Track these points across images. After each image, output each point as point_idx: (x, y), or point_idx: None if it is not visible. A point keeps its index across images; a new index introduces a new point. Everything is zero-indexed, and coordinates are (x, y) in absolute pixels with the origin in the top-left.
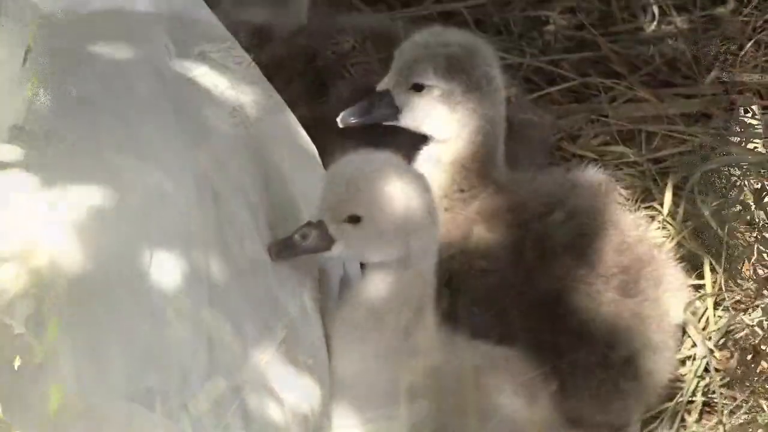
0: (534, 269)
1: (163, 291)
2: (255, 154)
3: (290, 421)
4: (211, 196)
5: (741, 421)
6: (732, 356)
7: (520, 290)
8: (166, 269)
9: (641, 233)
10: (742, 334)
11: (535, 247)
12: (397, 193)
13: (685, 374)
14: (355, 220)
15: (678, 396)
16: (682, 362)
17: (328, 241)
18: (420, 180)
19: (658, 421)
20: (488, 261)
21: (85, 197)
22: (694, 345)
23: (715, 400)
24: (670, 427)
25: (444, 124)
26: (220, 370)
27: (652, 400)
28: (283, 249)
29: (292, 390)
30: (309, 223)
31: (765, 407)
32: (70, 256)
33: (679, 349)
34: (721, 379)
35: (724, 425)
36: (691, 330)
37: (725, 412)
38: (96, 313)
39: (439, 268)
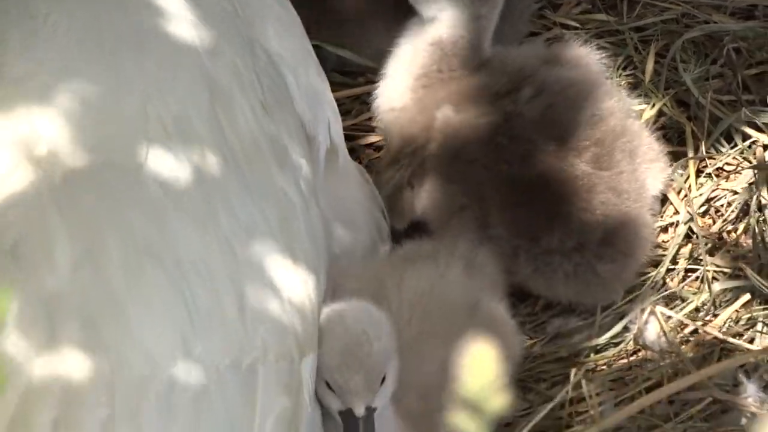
0: (504, 148)
1: (160, 183)
2: (247, 37)
3: (288, 311)
4: (207, 85)
5: (725, 287)
6: (714, 223)
7: (492, 171)
8: (162, 161)
9: (614, 104)
10: (724, 201)
11: (505, 125)
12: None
13: (667, 241)
14: (383, 380)
15: (660, 265)
16: (664, 230)
17: (373, 413)
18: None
19: (641, 288)
20: (457, 143)
21: (82, 88)
22: (676, 212)
23: (698, 267)
24: (653, 294)
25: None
26: (215, 261)
27: (632, 279)
28: None
29: (289, 280)
30: (356, 421)
31: (748, 273)
32: (68, 147)
33: (661, 217)
34: (705, 245)
35: (710, 291)
36: (672, 196)
37: (709, 277)
38: (93, 205)
39: (412, 157)
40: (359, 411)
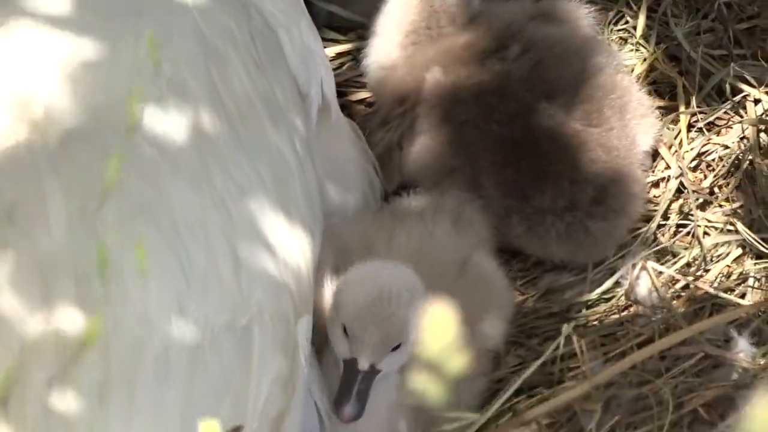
0: (494, 108)
1: (155, 144)
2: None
3: (283, 272)
4: (201, 45)
5: (716, 242)
6: (705, 177)
7: (482, 131)
8: (157, 122)
9: (603, 60)
10: (715, 155)
11: (493, 85)
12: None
13: (658, 196)
14: (396, 347)
15: (651, 221)
16: (655, 185)
17: (375, 375)
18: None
19: (632, 243)
20: (447, 105)
21: (78, 50)
22: (668, 167)
23: (689, 222)
24: (644, 249)
25: None
26: (210, 221)
27: (624, 236)
28: (356, 410)
29: (284, 240)
30: (358, 372)
31: (739, 228)
32: (64, 109)
33: (652, 172)
34: (696, 200)
35: (701, 246)
36: (663, 151)
37: (700, 232)
38: (89, 165)
39: (401, 118)
40: (363, 365)
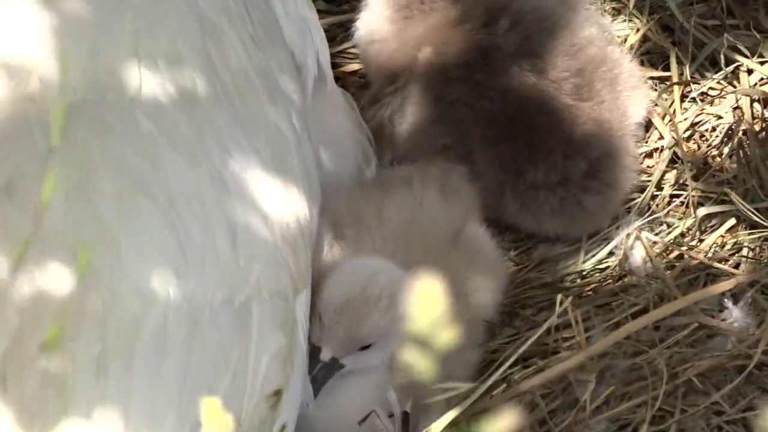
0: (484, 85)
1: (152, 119)
2: None
3: (281, 248)
4: (197, 20)
5: (709, 212)
6: (699, 148)
7: (473, 109)
8: (154, 97)
9: (593, 32)
10: (708, 125)
11: (483, 62)
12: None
13: (652, 166)
14: (366, 347)
15: (645, 191)
16: (649, 155)
17: (336, 369)
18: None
19: (626, 214)
20: (438, 85)
21: (73, 25)
22: (661, 137)
23: (683, 192)
24: (638, 219)
25: None
26: (208, 197)
27: (617, 209)
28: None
29: (282, 216)
30: (318, 360)
31: (733, 198)
32: (60, 84)
33: (645, 142)
34: (690, 170)
35: (695, 216)
36: (657, 121)
37: (694, 202)
38: (86, 141)
39: (392, 96)
40: (325, 355)
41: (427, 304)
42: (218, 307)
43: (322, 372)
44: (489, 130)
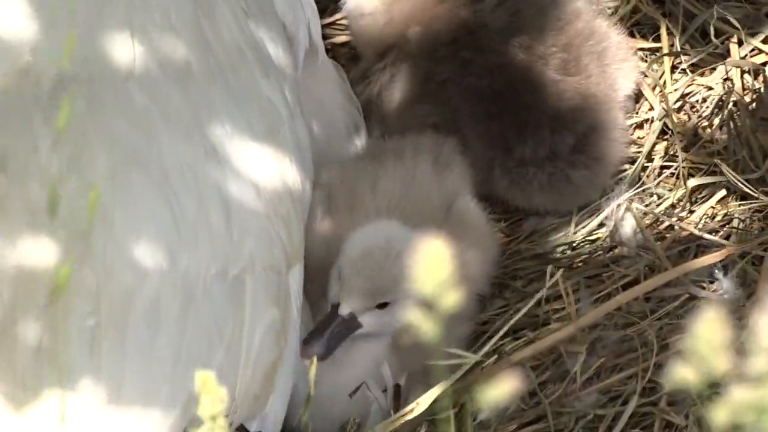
0: (471, 62)
1: (146, 93)
2: None
3: (274, 221)
4: None
5: (700, 183)
6: (689, 119)
7: (461, 86)
8: (148, 71)
9: (580, 6)
10: (698, 97)
11: (469, 39)
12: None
13: (643, 137)
14: (383, 306)
15: (636, 162)
16: (639, 126)
17: (355, 328)
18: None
19: (617, 185)
20: (428, 65)
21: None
22: (651, 108)
23: (673, 163)
24: (628, 191)
25: None
26: (202, 170)
27: (607, 182)
28: (320, 351)
29: (275, 190)
30: (337, 316)
31: (723, 169)
32: (54, 59)
33: (636, 113)
34: (680, 141)
35: (686, 187)
36: (647, 93)
37: (684, 174)
38: (80, 115)
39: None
40: (344, 309)
41: (433, 267)
42: (212, 280)
43: (339, 328)
44: (477, 107)
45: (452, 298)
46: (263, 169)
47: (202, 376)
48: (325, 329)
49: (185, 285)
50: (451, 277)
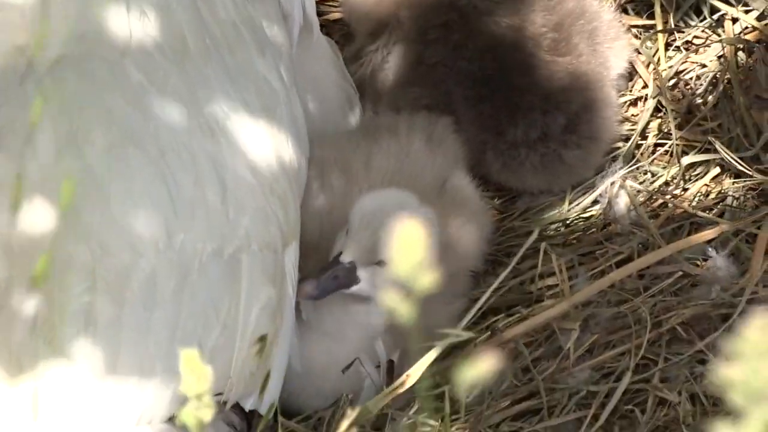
0: (462, 46)
1: (142, 72)
2: None
3: (270, 200)
4: None
5: (693, 160)
6: (683, 96)
7: (453, 69)
8: (144, 49)
9: None
10: (692, 74)
11: (460, 21)
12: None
13: (637, 115)
14: (383, 263)
15: (629, 140)
16: (633, 103)
17: (352, 280)
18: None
19: (611, 163)
20: (419, 48)
21: None
22: (645, 86)
23: (667, 141)
24: (622, 168)
25: None
26: (198, 148)
27: (599, 161)
28: (315, 291)
29: (271, 168)
30: (339, 263)
31: (717, 147)
32: (51, 37)
33: (630, 91)
34: (674, 119)
35: (680, 165)
36: (641, 70)
37: (678, 151)
38: (77, 93)
39: (374, 54)
40: (345, 257)
41: (409, 248)
42: (208, 258)
43: (338, 274)
44: (469, 90)
45: (428, 281)
46: (259, 147)
47: (187, 355)
48: (323, 273)
49: (181, 262)
50: (426, 259)
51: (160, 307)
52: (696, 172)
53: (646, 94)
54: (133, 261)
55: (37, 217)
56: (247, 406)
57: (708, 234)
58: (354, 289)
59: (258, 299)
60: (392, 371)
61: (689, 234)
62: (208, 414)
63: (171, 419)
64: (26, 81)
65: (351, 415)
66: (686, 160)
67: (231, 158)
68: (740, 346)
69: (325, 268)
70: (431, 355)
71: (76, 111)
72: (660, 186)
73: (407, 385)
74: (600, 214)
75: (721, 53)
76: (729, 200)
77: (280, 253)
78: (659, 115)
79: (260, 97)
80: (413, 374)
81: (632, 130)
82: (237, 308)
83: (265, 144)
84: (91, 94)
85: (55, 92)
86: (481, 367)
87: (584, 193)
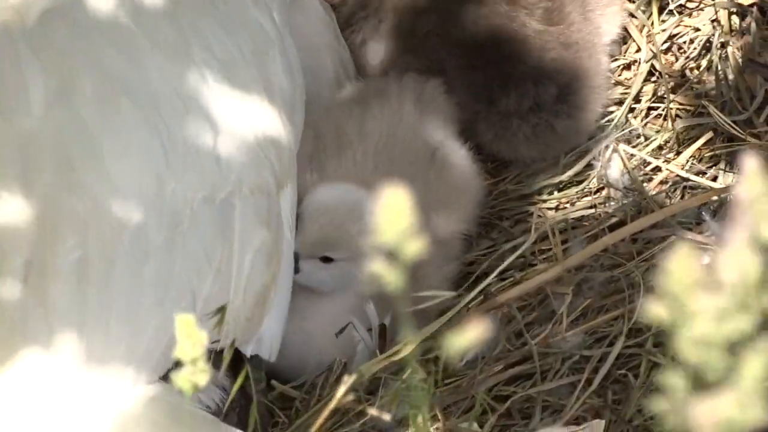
0: (453, 14)
1: (133, 20)
2: None
3: (263, 143)
4: None
5: (687, 124)
6: (677, 60)
7: (444, 39)
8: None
9: None
10: (686, 38)
11: None
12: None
13: (630, 79)
14: (327, 260)
15: (623, 104)
16: (627, 67)
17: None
18: None
19: (604, 127)
20: (411, 18)
21: None
22: (639, 50)
23: (660, 105)
24: (616, 132)
25: None
26: (190, 96)
27: (592, 129)
28: None
29: (264, 112)
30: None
31: (711, 111)
32: None
33: (623, 55)
34: (668, 83)
35: (673, 129)
36: (635, 34)
37: (672, 115)
38: (67, 44)
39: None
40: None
41: (394, 216)
42: (199, 205)
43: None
44: (461, 59)
45: (415, 248)
46: (252, 92)
47: (182, 321)
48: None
49: (172, 212)
50: (412, 227)
51: (152, 259)
52: (689, 136)
53: (640, 58)
54: (124, 212)
55: (29, 173)
56: (248, 352)
57: (701, 198)
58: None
59: (252, 243)
60: (385, 335)
61: (682, 198)
62: (203, 379)
63: (165, 376)
64: (17, 36)
65: (348, 381)
66: (680, 124)
67: (223, 103)
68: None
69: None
70: (433, 327)
71: (67, 63)
72: (653, 150)
73: (404, 353)
74: (593, 178)
75: (715, 17)
76: (722, 164)
77: (275, 196)
78: (652, 79)
79: (253, 42)
80: (411, 342)
81: (626, 94)
82: (230, 254)
83: (258, 88)
84: (81, 46)
85: (44, 44)
86: (473, 332)
87: (578, 157)
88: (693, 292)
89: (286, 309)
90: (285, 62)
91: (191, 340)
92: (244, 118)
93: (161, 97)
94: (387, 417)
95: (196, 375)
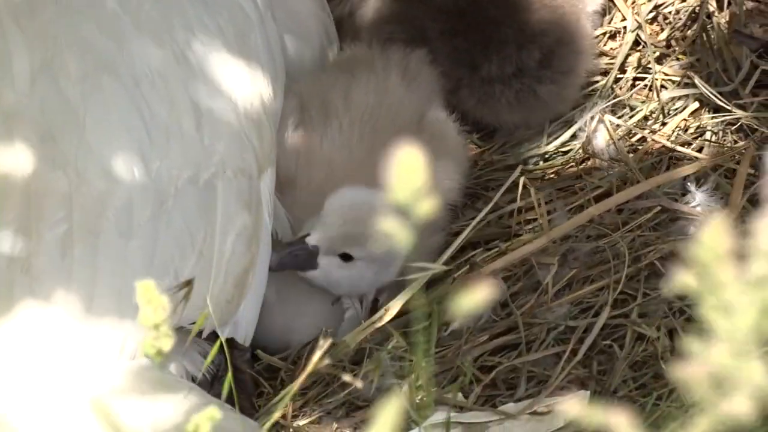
0: None
1: (115, 1)
2: None
3: (245, 126)
4: None
5: (675, 95)
6: (662, 30)
7: (427, 4)
8: None
9: None
10: (672, 8)
11: None
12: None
13: (615, 49)
14: (347, 258)
15: (608, 74)
16: (612, 37)
17: (310, 266)
18: None
19: (589, 97)
20: None
21: None
22: (624, 19)
23: (646, 75)
24: (601, 102)
25: None
26: (172, 76)
27: (576, 95)
28: (277, 266)
29: (246, 95)
30: (303, 243)
31: (696, 81)
32: None
33: (609, 24)
34: (653, 53)
35: (659, 99)
36: (620, 3)
37: (657, 86)
38: (52, 21)
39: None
40: (311, 240)
41: (407, 174)
42: (183, 185)
43: (299, 253)
44: (444, 24)
45: (426, 206)
46: (234, 74)
47: (142, 287)
48: (286, 248)
49: (157, 190)
50: (425, 185)
51: (136, 235)
52: (675, 107)
53: (625, 27)
54: (109, 189)
55: (12, 148)
56: (225, 334)
57: (687, 169)
58: (309, 274)
59: (233, 226)
60: (376, 309)
61: (668, 169)
62: (167, 344)
63: None
64: (2, 11)
65: (323, 345)
66: (665, 94)
67: (205, 85)
68: (697, 251)
69: (290, 243)
70: (409, 292)
71: (51, 39)
72: (639, 120)
73: (385, 320)
74: (579, 148)
75: None
76: (708, 135)
77: (256, 179)
78: (638, 48)
79: (234, 23)
80: (392, 309)
81: (611, 64)
82: (213, 236)
83: (239, 71)
84: (66, 23)
85: (30, 20)
86: (469, 300)
87: (563, 128)
88: (724, 262)
89: (261, 294)
90: (266, 45)
91: (152, 305)
92: (226, 101)
93: (143, 77)
94: (359, 384)
95: (159, 340)
